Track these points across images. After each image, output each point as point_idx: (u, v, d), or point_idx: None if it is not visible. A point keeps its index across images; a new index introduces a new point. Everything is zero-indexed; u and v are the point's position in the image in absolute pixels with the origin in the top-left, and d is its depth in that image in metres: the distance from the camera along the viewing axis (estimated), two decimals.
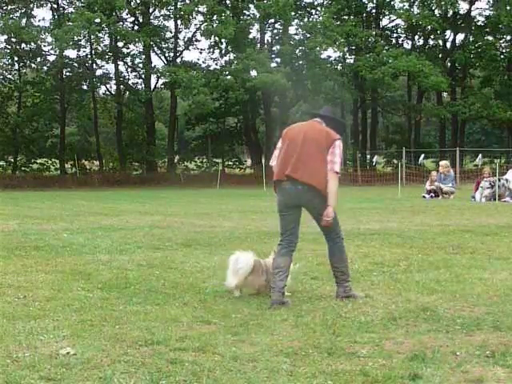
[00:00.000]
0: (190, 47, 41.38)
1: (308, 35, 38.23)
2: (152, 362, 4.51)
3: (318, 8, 41.50)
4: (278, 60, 39.81)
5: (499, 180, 20.87)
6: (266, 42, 41.80)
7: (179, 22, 39.41)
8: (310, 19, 40.39)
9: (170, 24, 50.45)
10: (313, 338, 5.09)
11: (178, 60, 40.21)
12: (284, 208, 6.47)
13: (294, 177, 6.31)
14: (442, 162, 23.84)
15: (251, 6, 39.54)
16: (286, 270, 6.36)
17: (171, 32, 40.53)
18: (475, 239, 10.84)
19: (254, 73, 36.83)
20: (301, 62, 39.99)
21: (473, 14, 44.30)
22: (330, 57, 43.43)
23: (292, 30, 41.48)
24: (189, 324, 5.51)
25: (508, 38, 43.44)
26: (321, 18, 38.96)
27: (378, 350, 4.81)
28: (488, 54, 41.87)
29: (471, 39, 43.36)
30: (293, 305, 6.18)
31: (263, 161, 41.40)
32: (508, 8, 39.01)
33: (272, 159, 6.69)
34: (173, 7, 38.15)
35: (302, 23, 40.04)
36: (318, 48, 37.39)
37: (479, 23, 43.84)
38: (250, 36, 40.90)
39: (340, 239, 6.58)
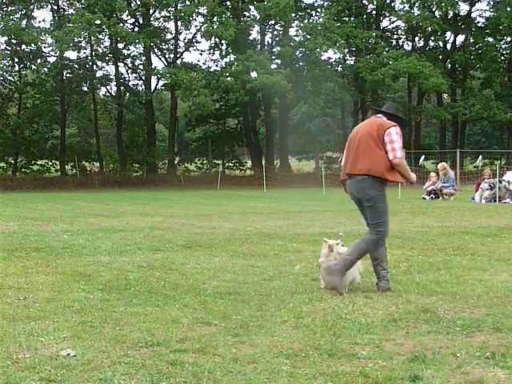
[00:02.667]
0: (191, 48, 41.42)
1: (308, 36, 38.18)
2: (152, 364, 4.51)
3: (319, 9, 41.50)
4: (279, 61, 39.84)
5: (500, 182, 20.84)
6: (266, 43, 41.82)
7: (179, 23, 39.38)
8: (311, 20, 40.38)
9: (171, 25, 50.60)
10: (313, 339, 5.09)
11: (179, 61, 40.18)
12: (355, 203, 7.06)
13: (353, 173, 6.87)
14: (439, 165, 23.88)
15: (251, 7, 39.57)
16: (382, 259, 6.87)
17: (171, 33, 40.58)
18: (475, 240, 10.85)
19: (254, 74, 36.85)
20: (301, 64, 40.03)
21: (473, 15, 44.43)
22: (330, 58, 43.53)
23: (292, 31, 41.45)
24: (189, 325, 5.51)
25: (508, 39, 43.46)
26: (321, 20, 38.96)
27: (379, 351, 4.81)
28: (488, 55, 41.88)
29: (471, 40, 43.39)
30: (293, 306, 6.18)
31: (263, 162, 41.39)
32: (508, 9, 39.03)
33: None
34: (173, 8, 38.11)
35: (302, 25, 40.01)
36: (318, 49, 37.35)
37: (479, 24, 43.88)
38: (251, 37, 40.95)
39: (372, 235, 6.82)
